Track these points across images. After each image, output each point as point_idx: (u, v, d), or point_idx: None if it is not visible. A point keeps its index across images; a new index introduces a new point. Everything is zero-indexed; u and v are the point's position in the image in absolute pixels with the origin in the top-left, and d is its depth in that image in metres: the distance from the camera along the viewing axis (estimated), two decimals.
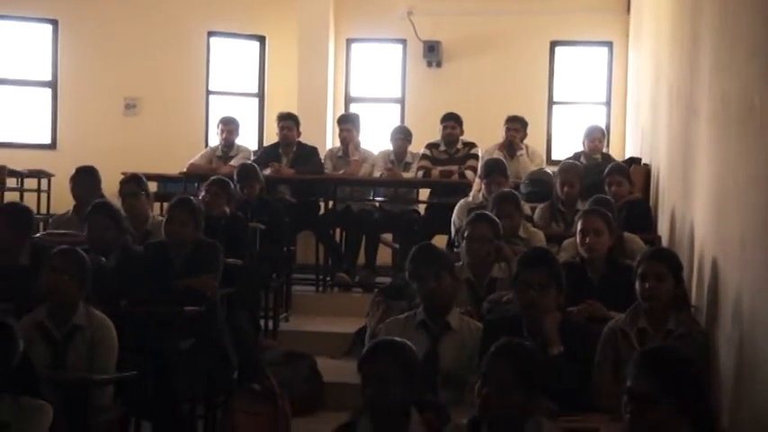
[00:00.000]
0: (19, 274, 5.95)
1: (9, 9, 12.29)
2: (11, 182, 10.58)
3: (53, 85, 12.49)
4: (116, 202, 7.37)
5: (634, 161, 9.23)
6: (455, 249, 6.51)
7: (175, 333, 5.97)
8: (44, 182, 11.06)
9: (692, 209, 5.91)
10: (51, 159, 11.41)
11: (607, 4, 12.02)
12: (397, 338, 4.14)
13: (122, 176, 7.84)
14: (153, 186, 8.73)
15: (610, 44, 12.30)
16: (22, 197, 10.08)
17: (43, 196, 11.01)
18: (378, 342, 4.13)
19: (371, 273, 9.55)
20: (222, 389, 6.39)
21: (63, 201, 9.42)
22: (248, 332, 7.15)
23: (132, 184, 7.71)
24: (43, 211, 10.49)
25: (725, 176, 4.81)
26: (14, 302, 5.38)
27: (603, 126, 11.12)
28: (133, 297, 5.99)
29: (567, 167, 7.83)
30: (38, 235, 6.95)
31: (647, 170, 8.79)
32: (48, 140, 12.39)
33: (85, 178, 7.96)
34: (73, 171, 8.08)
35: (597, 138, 10.07)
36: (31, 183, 11.00)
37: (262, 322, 7.97)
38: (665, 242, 7.00)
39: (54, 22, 12.42)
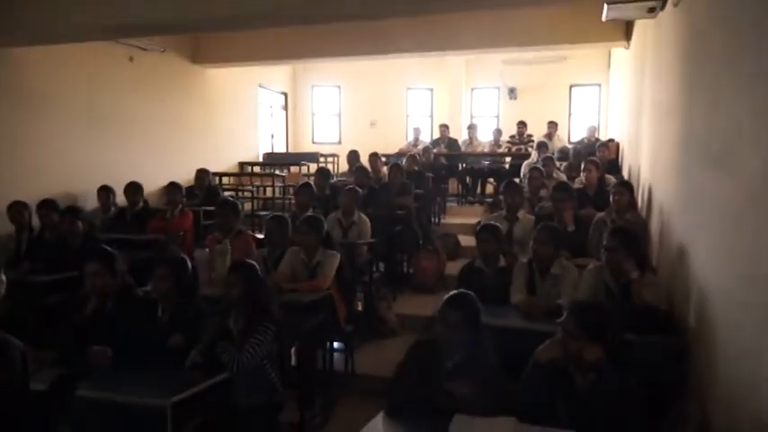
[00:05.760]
0: (326, 199, 6.21)
1: (316, 81, 12.49)
2: (321, 159, 10.92)
3: (339, 114, 12.70)
4: (366, 165, 7.51)
5: (611, 140, 8.67)
6: (522, 183, 6.36)
7: (393, 223, 6.10)
8: (335, 159, 11.32)
9: (639, 162, 5.58)
10: (338, 148, 11.57)
11: (599, 66, 11.20)
12: (493, 222, 4.12)
13: (369, 155, 7.99)
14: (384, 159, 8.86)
15: (599, 85, 11.51)
16: (327, 164, 10.37)
17: (335, 165, 11.29)
18: (484, 224, 4.11)
19: (483, 197, 9.38)
20: (414, 247, 6.43)
21: (343, 167, 9.69)
22: (426, 222, 7.20)
23: (374, 158, 7.81)
24: (334, 172, 10.76)
25: (656, 146, 4.53)
26: (323, 210, 5.61)
27: (596, 125, 10.45)
28: (373, 206, 6.13)
29: (574, 156, 7.57)
30: (332, 181, 7.17)
31: (618, 145, 8.29)
32: (336, 140, 12.56)
33: (353, 156, 8.16)
34: (347, 153, 8.29)
35: (592, 131, 9.58)
36: (330, 159, 11.30)
37: (433, 218, 7.98)
38: (626, 178, 6.62)
39: (338, 87, 12.58)
